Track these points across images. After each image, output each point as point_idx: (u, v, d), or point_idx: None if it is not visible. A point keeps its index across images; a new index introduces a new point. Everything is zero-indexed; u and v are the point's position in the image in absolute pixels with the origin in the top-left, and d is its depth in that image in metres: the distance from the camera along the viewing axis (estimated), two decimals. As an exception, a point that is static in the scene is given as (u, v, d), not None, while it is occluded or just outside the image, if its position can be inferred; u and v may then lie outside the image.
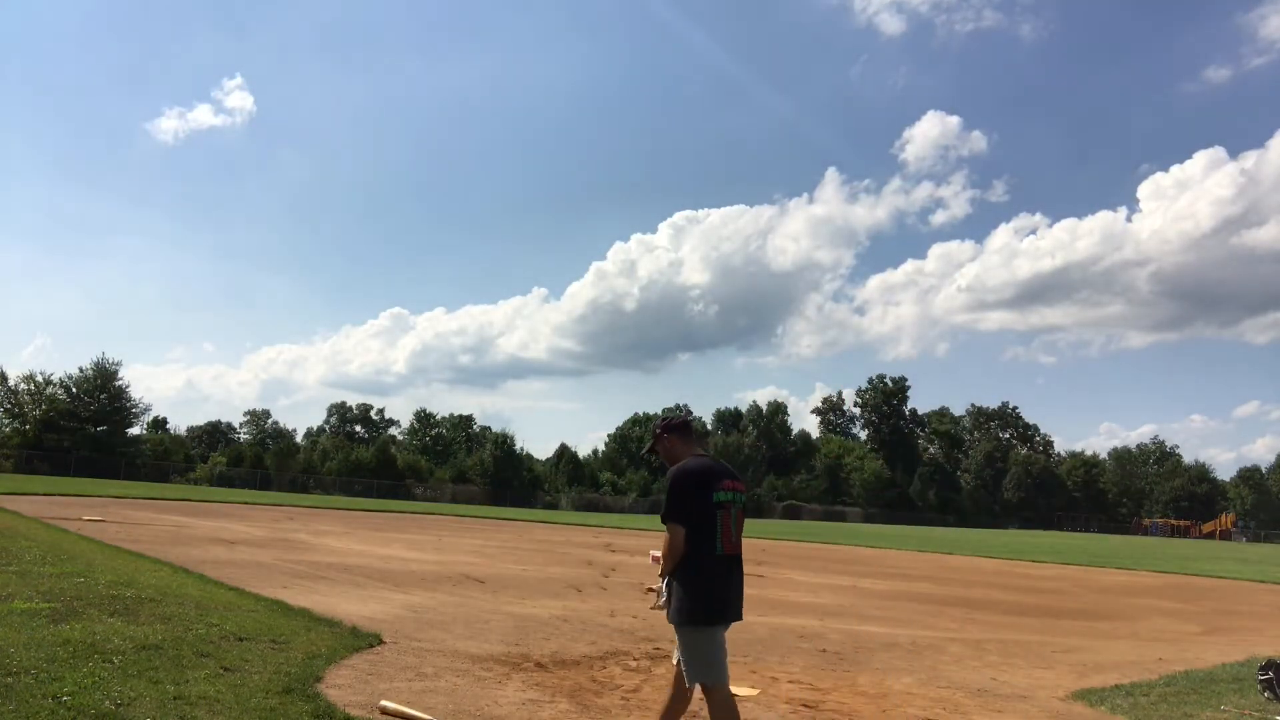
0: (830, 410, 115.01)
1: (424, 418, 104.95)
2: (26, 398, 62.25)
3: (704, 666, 4.16)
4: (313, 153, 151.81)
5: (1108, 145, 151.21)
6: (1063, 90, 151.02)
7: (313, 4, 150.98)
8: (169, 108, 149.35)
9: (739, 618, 4.34)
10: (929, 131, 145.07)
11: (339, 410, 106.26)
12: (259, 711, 4.52)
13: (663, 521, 4.24)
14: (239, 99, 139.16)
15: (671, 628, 4.32)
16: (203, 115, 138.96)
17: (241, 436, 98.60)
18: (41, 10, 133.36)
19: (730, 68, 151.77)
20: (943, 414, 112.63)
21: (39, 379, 62.86)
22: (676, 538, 4.16)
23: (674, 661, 4.39)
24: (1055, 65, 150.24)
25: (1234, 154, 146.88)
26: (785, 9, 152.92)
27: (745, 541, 4.47)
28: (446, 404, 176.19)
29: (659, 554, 4.45)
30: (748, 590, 4.53)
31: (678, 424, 4.49)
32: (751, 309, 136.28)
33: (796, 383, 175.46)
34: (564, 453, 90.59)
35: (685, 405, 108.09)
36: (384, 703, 4.99)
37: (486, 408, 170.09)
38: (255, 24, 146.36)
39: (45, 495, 26.58)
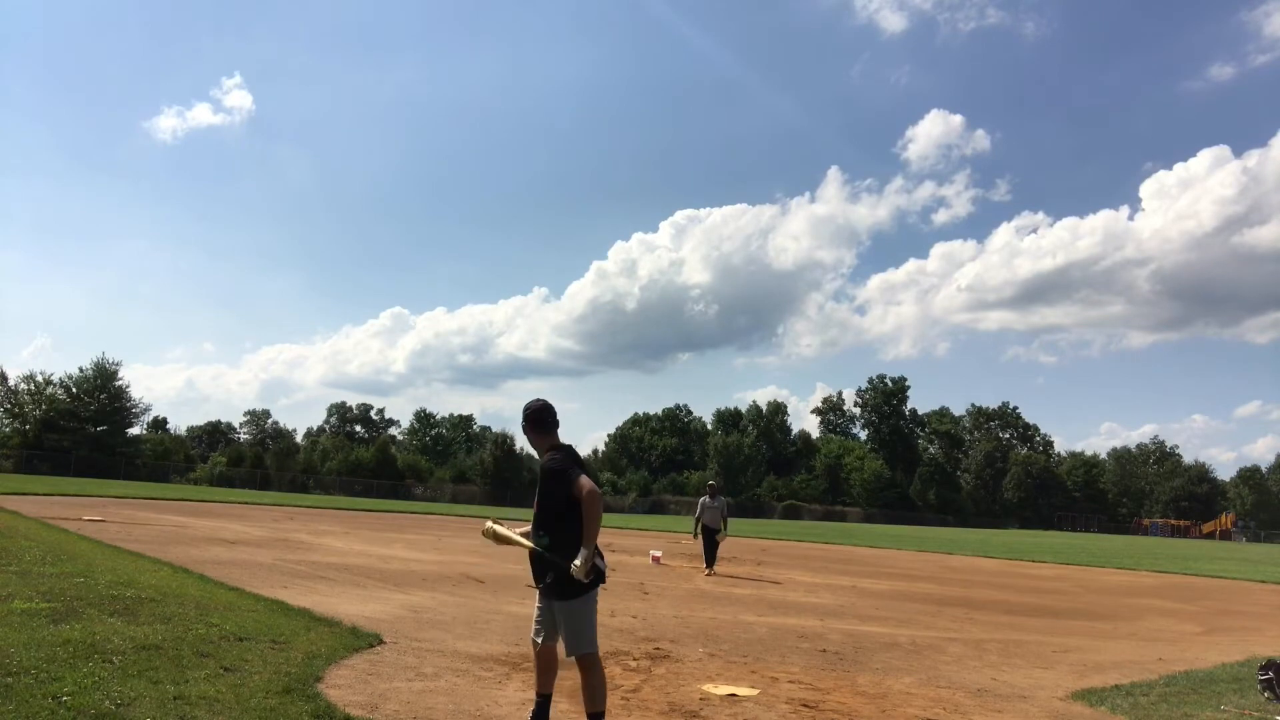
0: (830, 410, 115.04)
1: (424, 418, 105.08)
2: (26, 398, 62.32)
3: (593, 631, 4.58)
4: (312, 152, 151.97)
5: (1111, 143, 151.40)
6: (1066, 88, 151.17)
7: (312, 3, 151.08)
8: (168, 106, 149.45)
9: None
10: (931, 130, 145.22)
11: (339, 410, 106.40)
12: (259, 711, 4.52)
13: (583, 489, 4.41)
14: (238, 98, 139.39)
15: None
16: (202, 114, 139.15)
17: (241, 436, 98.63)
18: (39, 9, 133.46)
19: (732, 67, 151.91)
20: (943, 414, 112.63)
21: (39, 379, 63.03)
22: (599, 500, 4.46)
23: (538, 640, 4.75)
24: (1059, 63, 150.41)
25: (1238, 152, 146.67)
26: (786, 7, 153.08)
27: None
28: (446, 404, 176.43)
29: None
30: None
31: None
32: (752, 308, 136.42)
33: (797, 383, 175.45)
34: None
35: (685, 405, 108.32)
36: (490, 524, 4.97)
37: (486, 408, 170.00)
38: (254, 23, 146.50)
39: (45, 495, 26.59)
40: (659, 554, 18.07)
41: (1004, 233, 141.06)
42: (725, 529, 16.11)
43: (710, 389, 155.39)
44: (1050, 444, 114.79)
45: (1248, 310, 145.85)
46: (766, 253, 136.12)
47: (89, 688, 4.57)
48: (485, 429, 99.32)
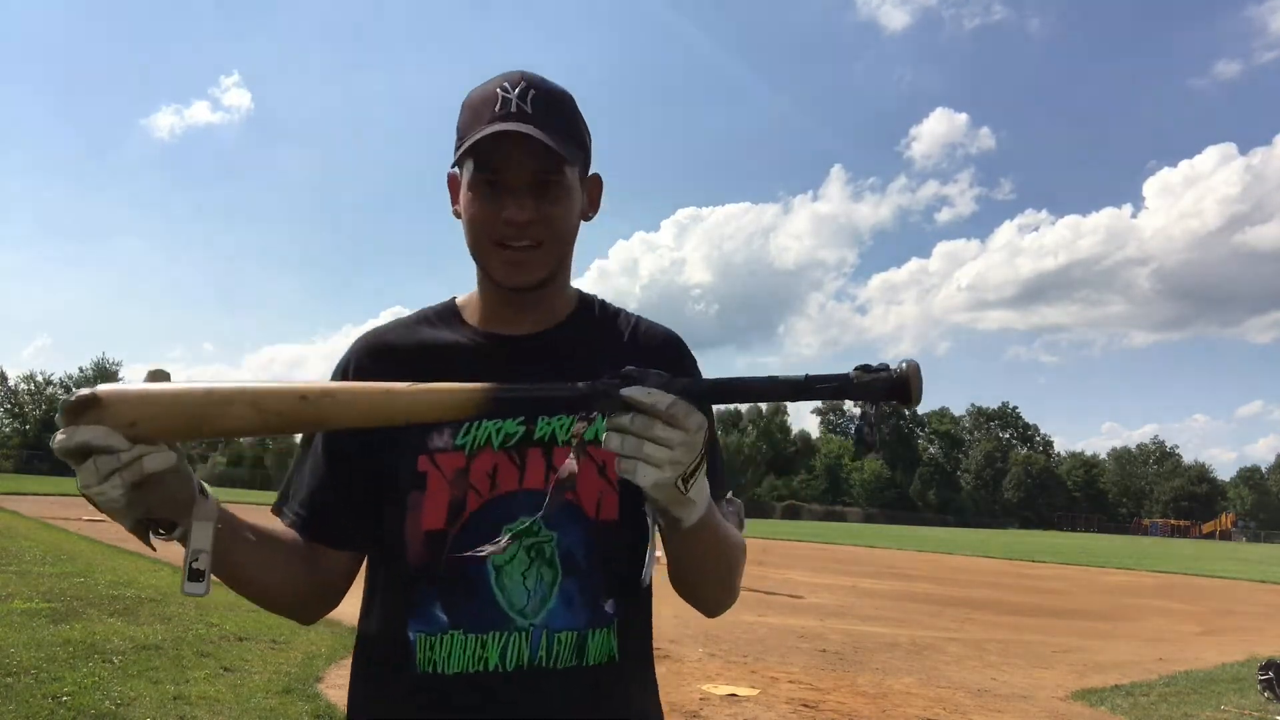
0: (830, 410, 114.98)
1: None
2: (26, 398, 62.42)
3: None
4: (312, 150, 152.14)
5: (1115, 141, 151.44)
6: (1071, 85, 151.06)
7: (311, 2, 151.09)
8: (166, 104, 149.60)
9: None
10: (936, 129, 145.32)
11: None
12: (259, 711, 4.52)
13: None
14: (237, 96, 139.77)
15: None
16: (200, 112, 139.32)
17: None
18: (38, 7, 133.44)
19: (734, 65, 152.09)
20: (943, 414, 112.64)
21: (39, 379, 63.14)
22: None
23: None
24: (1063, 60, 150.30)
25: (1244, 150, 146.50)
26: (788, 5, 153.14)
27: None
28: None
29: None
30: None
31: None
32: (753, 308, 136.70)
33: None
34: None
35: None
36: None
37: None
38: (253, 21, 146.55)
39: (45, 495, 26.58)
40: (659, 554, 18.07)
41: (1006, 231, 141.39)
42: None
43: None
44: (1050, 444, 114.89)
45: (1249, 310, 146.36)
46: (768, 251, 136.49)
47: (89, 688, 4.57)
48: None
